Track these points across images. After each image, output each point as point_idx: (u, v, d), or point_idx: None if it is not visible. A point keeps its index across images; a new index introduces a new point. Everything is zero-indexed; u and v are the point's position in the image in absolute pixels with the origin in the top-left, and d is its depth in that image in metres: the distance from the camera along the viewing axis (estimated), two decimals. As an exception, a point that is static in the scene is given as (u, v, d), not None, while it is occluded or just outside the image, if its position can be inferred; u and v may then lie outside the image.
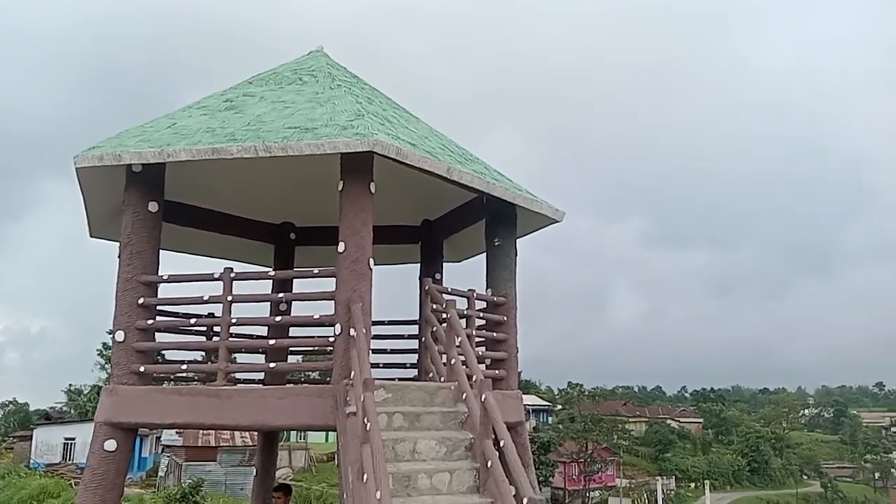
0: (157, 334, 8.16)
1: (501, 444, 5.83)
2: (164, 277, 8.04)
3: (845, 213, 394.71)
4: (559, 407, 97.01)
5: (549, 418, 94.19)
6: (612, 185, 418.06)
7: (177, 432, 53.32)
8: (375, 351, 10.10)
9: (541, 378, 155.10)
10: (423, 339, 9.05)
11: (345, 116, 7.77)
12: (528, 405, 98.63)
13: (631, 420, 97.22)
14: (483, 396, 6.23)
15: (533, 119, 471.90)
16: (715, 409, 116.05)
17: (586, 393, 76.59)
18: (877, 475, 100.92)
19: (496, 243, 9.41)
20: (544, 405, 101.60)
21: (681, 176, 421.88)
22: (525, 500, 5.15)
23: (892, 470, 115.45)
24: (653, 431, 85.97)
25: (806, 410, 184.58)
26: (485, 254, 9.67)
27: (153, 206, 8.09)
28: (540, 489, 46.97)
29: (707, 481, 71.18)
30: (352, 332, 7.00)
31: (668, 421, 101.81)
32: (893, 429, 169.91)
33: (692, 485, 74.72)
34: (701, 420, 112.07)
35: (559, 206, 9.54)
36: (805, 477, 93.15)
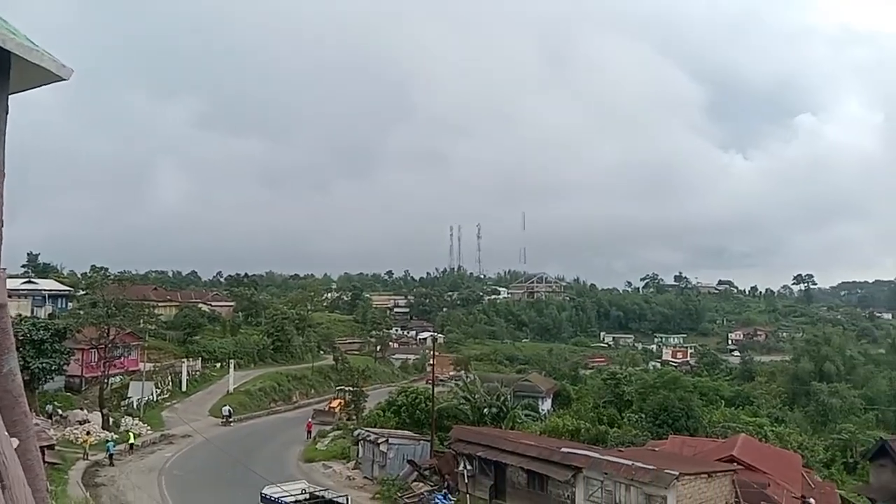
0: None
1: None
2: None
3: (387, 123, 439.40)
4: (82, 292, 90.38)
5: (70, 304, 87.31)
6: (170, 61, 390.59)
7: None
8: None
9: (64, 261, 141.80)
10: None
11: None
12: (45, 290, 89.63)
13: (161, 305, 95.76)
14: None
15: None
16: (247, 294, 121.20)
17: (112, 277, 71.94)
18: (378, 347, 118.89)
19: (-21, 95, 7.77)
20: (64, 290, 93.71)
21: (242, 62, 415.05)
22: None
23: (390, 343, 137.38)
24: (182, 315, 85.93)
25: (329, 294, 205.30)
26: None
27: None
28: (51, 378, 42.80)
29: (232, 360, 74.62)
30: None
31: (200, 305, 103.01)
32: (396, 309, 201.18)
33: (218, 364, 77.32)
34: (233, 303, 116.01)
35: (67, 63, 8.30)
36: (322, 352, 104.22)
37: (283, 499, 25.88)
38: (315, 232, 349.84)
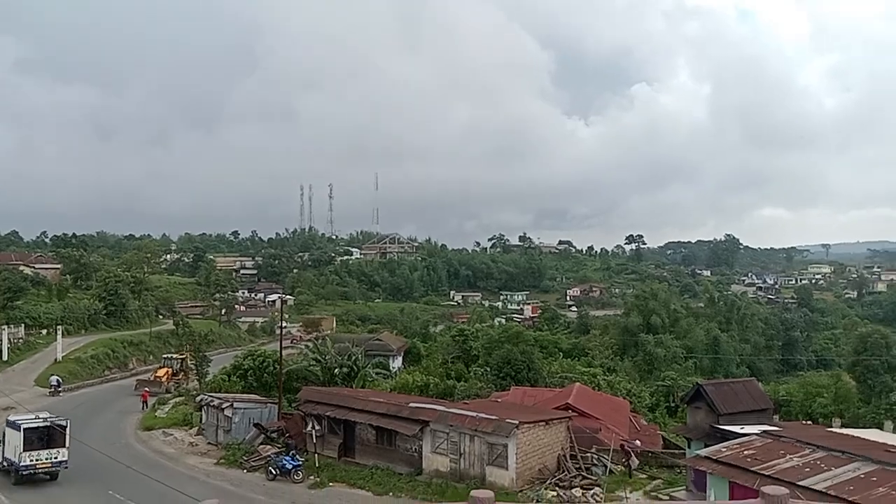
0: None
1: None
2: None
3: (233, 75, 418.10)
4: None
5: None
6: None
7: None
8: None
9: None
10: None
11: None
12: None
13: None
14: None
15: None
16: (75, 255, 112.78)
17: (-87, 237, 64.47)
18: (223, 311, 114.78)
19: None
20: None
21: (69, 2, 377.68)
22: None
23: (236, 306, 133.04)
24: (1, 279, 78.58)
25: (168, 256, 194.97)
26: None
27: None
28: None
29: (60, 327, 69.40)
30: None
31: (22, 267, 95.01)
32: (242, 271, 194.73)
33: (44, 331, 71.74)
34: (60, 266, 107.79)
35: None
36: (161, 316, 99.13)
37: (18, 422, 29.87)
38: (152, 189, 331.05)
